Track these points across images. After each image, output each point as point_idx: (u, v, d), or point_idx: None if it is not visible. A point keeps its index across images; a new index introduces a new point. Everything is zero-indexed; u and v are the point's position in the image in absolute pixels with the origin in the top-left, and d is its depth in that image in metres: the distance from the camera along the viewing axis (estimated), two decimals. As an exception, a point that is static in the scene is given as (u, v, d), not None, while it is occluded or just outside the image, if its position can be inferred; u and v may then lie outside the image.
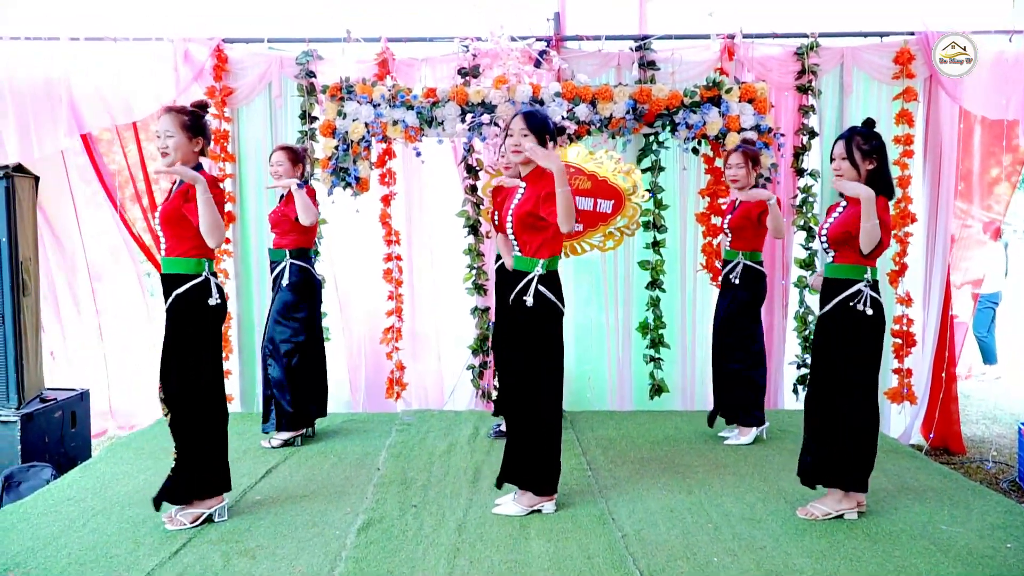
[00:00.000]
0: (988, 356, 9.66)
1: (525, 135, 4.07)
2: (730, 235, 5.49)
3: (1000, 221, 6.90)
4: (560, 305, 4.16)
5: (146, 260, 6.91)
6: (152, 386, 6.70)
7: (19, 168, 5.54)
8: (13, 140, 6.26)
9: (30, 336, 5.54)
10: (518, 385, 4.21)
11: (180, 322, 3.96)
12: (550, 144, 4.14)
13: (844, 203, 4.12)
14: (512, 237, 4.20)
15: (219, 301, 4.00)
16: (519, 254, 4.17)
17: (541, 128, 4.09)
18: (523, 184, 4.20)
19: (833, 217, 4.13)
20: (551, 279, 4.13)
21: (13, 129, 6.26)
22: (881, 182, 3.99)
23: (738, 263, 5.46)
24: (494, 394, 5.88)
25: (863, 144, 3.98)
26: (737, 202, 5.48)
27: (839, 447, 4.10)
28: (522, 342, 4.17)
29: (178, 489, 4.04)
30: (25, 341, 5.47)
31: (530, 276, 4.10)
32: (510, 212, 4.18)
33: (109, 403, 6.94)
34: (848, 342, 4.04)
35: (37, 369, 5.68)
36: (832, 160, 4.07)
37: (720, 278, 5.68)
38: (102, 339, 6.92)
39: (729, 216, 5.50)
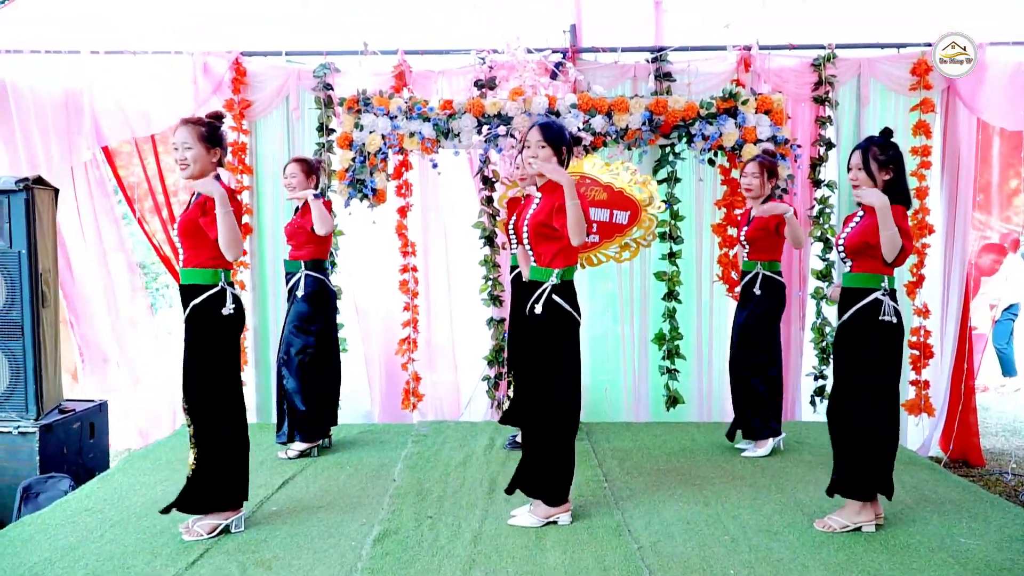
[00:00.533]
0: (1008, 368, 9.59)
1: (542, 146, 4.10)
2: (748, 246, 5.47)
3: (1019, 233, 6.84)
4: (575, 315, 4.17)
5: (166, 272, 6.93)
6: (165, 399, 6.77)
7: (39, 180, 5.58)
8: (36, 152, 6.32)
9: (49, 347, 5.57)
10: (534, 394, 4.21)
11: (198, 332, 3.99)
12: (566, 155, 4.16)
13: (861, 212, 4.12)
14: (528, 247, 4.22)
15: (234, 310, 4.02)
16: (535, 264, 4.19)
17: (557, 140, 4.12)
18: (539, 194, 4.23)
19: (850, 227, 4.12)
20: (566, 289, 4.14)
21: (36, 141, 6.33)
22: (898, 192, 3.99)
23: (757, 273, 5.44)
24: (506, 405, 5.88)
25: (879, 155, 3.98)
26: (753, 213, 5.46)
27: (847, 454, 4.10)
28: (538, 351, 4.18)
29: (191, 498, 4.06)
30: (44, 352, 5.50)
31: (544, 286, 4.11)
32: (526, 222, 4.20)
33: (133, 419, 6.97)
34: (862, 349, 4.04)
35: (56, 380, 5.71)
36: (849, 170, 4.07)
37: (738, 288, 5.66)
38: (106, 355, 6.93)
39: (745, 227, 5.48)
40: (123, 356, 6.87)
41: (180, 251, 4.03)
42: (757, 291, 5.42)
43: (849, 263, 4.11)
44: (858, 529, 4.10)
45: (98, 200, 6.74)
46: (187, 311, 3.99)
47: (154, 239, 6.80)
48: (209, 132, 3.98)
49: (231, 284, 4.05)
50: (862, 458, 4.07)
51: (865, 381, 4.05)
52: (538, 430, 4.21)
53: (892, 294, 4.04)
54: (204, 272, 3.97)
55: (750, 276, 5.47)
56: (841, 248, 4.12)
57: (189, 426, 4.03)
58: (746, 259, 5.53)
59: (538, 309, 4.09)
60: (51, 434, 5.39)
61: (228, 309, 3.99)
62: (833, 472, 4.22)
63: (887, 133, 4.08)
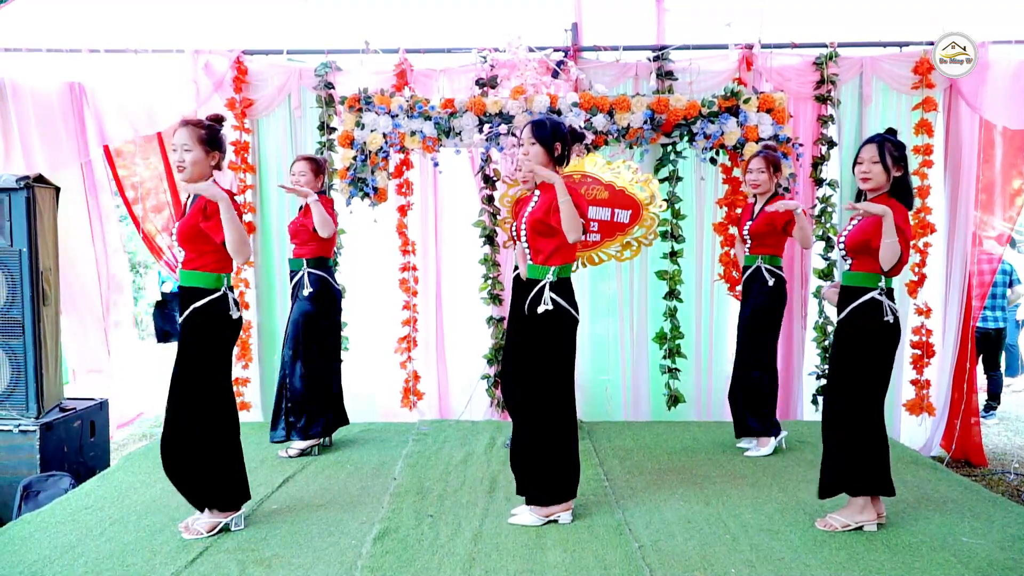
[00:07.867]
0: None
1: (532, 144, 4.13)
2: (750, 240, 5.45)
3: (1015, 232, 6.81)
4: (573, 312, 4.17)
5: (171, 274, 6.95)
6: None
7: (40, 178, 5.57)
8: (36, 150, 6.32)
9: (50, 346, 5.57)
10: (531, 393, 4.20)
11: (196, 335, 3.97)
12: (561, 150, 4.16)
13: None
14: (526, 245, 4.22)
15: (237, 315, 4.02)
16: (531, 262, 4.19)
17: (548, 137, 4.14)
18: (538, 192, 4.24)
19: (852, 224, 4.11)
20: (563, 286, 4.14)
21: (36, 140, 6.32)
22: (904, 191, 4.00)
23: (758, 267, 5.42)
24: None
25: (894, 151, 3.99)
26: (756, 208, 5.44)
27: (846, 453, 4.09)
28: (535, 350, 4.17)
29: (195, 495, 4.08)
30: (45, 351, 5.50)
31: (541, 283, 4.11)
32: (524, 219, 4.20)
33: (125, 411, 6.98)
34: (859, 349, 4.03)
35: (56, 379, 5.70)
36: (858, 164, 4.04)
37: (739, 287, 5.64)
38: (109, 353, 6.92)
39: (749, 222, 5.46)
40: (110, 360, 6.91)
41: (180, 253, 4.01)
42: (762, 284, 5.39)
43: (849, 261, 4.10)
44: (860, 528, 4.09)
45: (95, 199, 6.77)
46: (186, 313, 3.96)
47: (155, 240, 6.79)
48: (209, 135, 3.95)
49: (231, 288, 4.05)
50: (858, 455, 4.07)
51: (863, 381, 4.05)
52: (542, 431, 4.20)
53: (889, 293, 4.04)
54: (207, 276, 3.95)
55: (752, 270, 5.46)
56: (842, 246, 4.11)
57: (169, 425, 4.00)
58: (747, 253, 5.52)
59: (540, 308, 4.08)
60: (51, 432, 5.39)
61: (235, 313, 4.00)
62: (823, 474, 4.21)
63: (893, 133, 4.09)
